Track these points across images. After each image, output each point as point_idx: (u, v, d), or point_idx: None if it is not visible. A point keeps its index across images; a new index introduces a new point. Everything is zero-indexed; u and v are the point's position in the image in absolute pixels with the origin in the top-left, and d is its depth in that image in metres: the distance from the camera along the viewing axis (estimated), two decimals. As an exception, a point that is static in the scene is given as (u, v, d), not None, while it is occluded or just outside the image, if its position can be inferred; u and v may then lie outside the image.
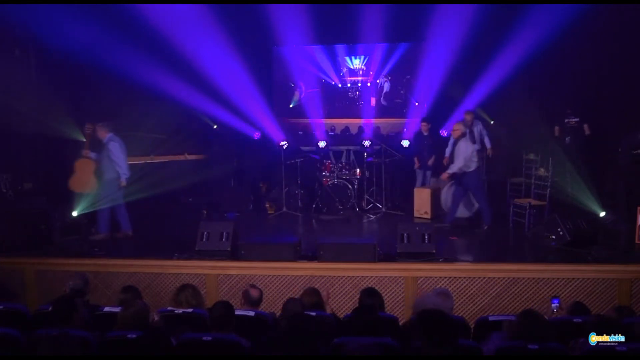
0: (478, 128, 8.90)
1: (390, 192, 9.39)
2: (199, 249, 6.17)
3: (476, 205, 7.90)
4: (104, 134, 7.18)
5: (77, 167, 7.19)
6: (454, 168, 7.54)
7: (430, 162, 9.10)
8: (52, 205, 7.44)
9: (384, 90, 13.28)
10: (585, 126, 8.74)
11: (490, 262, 5.80)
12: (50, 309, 3.87)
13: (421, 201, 8.59)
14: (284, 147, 9.30)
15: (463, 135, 7.64)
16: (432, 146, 9.15)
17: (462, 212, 7.91)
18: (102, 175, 7.16)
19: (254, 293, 4.47)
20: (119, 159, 7.13)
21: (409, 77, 12.78)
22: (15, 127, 7.90)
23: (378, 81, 13.27)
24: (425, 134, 9.19)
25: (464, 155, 7.42)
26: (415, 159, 9.22)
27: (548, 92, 9.49)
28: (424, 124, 9.26)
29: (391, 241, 6.22)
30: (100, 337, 3.51)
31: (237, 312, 3.89)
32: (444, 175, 7.75)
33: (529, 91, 9.55)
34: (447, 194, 8.12)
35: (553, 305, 4.31)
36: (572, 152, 8.37)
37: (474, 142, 8.49)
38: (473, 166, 7.48)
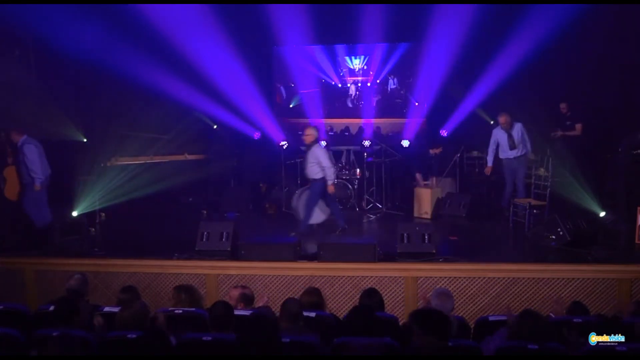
0: (517, 130, 7.88)
1: (390, 192, 9.38)
2: (199, 249, 6.17)
3: (328, 209, 7.61)
4: (18, 137, 6.94)
5: (6, 175, 7.02)
6: (331, 177, 7.16)
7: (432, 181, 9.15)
8: (52, 205, 7.43)
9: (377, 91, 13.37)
10: (578, 126, 8.58)
11: (490, 262, 5.79)
12: (51, 309, 3.87)
13: (421, 201, 8.60)
14: (284, 147, 9.29)
15: (316, 141, 7.26)
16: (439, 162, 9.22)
17: (317, 217, 7.59)
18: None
19: (249, 292, 4.53)
20: (34, 163, 6.87)
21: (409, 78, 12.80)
22: (15, 127, 7.89)
23: (358, 85, 13.35)
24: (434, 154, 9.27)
25: (326, 160, 7.11)
26: (418, 176, 9.23)
27: (548, 92, 9.48)
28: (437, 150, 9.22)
29: (391, 241, 6.23)
30: (100, 337, 3.51)
31: (237, 312, 3.90)
32: (330, 189, 7.21)
33: (529, 91, 9.55)
34: (297, 201, 7.86)
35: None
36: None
37: (513, 146, 7.80)
38: (321, 174, 7.16)
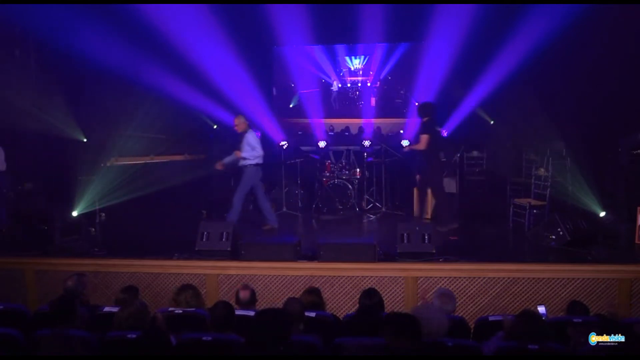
0: (248, 136, 7.28)
1: (390, 192, 9.38)
2: (199, 249, 6.17)
3: None
4: None
5: None
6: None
7: None
8: (52, 205, 7.43)
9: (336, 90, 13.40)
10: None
11: (490, 262, 5.78)
12: (48, 309, 3.87)
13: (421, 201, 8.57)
14: (284, 147, 9.29)
15: None
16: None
17: None
18: None
19: (243, 295, 4.44)
20: None
21: (405, 82, 12.80)
22: (15, 127, 7.90)
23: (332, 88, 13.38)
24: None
25: None
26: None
27: (548, 92, 9.48)
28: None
29: (391, 241, 6.22)
30: (100, 337, 3.51)
31: (237, 312, 3.90)
32: None
33: (529, 91, 9.55)
34: None
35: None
36: None
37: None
38: None
